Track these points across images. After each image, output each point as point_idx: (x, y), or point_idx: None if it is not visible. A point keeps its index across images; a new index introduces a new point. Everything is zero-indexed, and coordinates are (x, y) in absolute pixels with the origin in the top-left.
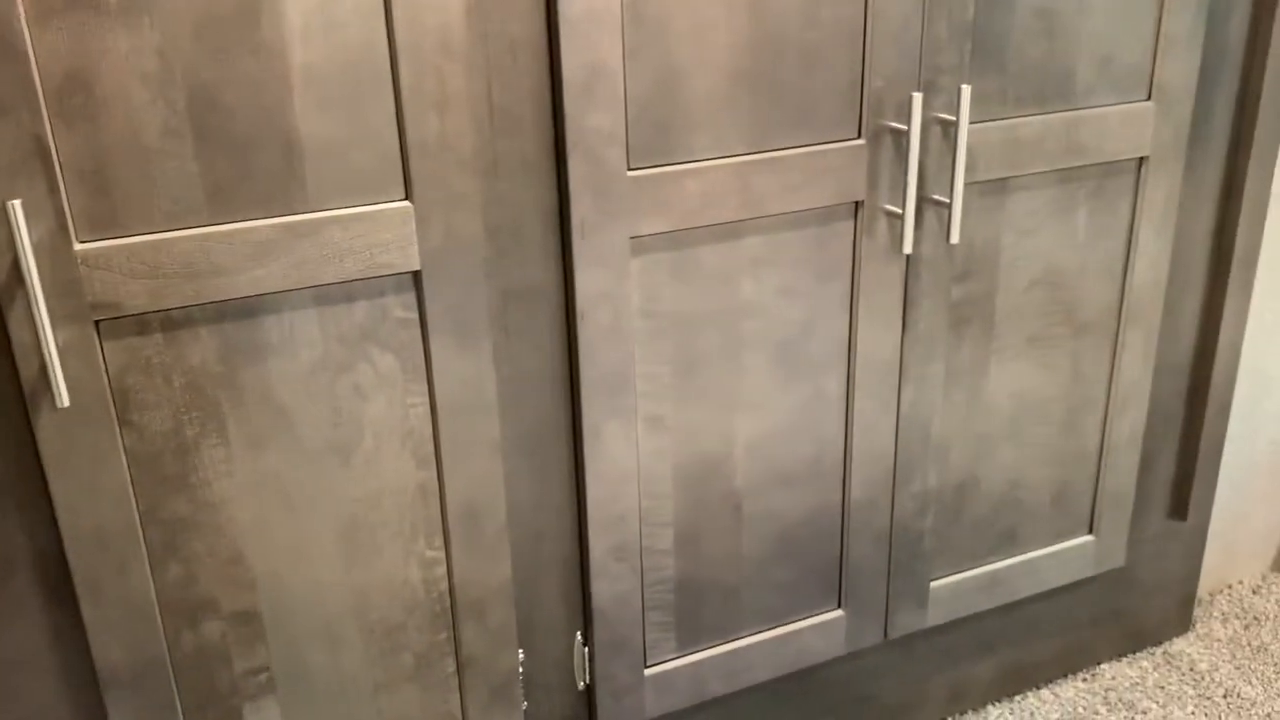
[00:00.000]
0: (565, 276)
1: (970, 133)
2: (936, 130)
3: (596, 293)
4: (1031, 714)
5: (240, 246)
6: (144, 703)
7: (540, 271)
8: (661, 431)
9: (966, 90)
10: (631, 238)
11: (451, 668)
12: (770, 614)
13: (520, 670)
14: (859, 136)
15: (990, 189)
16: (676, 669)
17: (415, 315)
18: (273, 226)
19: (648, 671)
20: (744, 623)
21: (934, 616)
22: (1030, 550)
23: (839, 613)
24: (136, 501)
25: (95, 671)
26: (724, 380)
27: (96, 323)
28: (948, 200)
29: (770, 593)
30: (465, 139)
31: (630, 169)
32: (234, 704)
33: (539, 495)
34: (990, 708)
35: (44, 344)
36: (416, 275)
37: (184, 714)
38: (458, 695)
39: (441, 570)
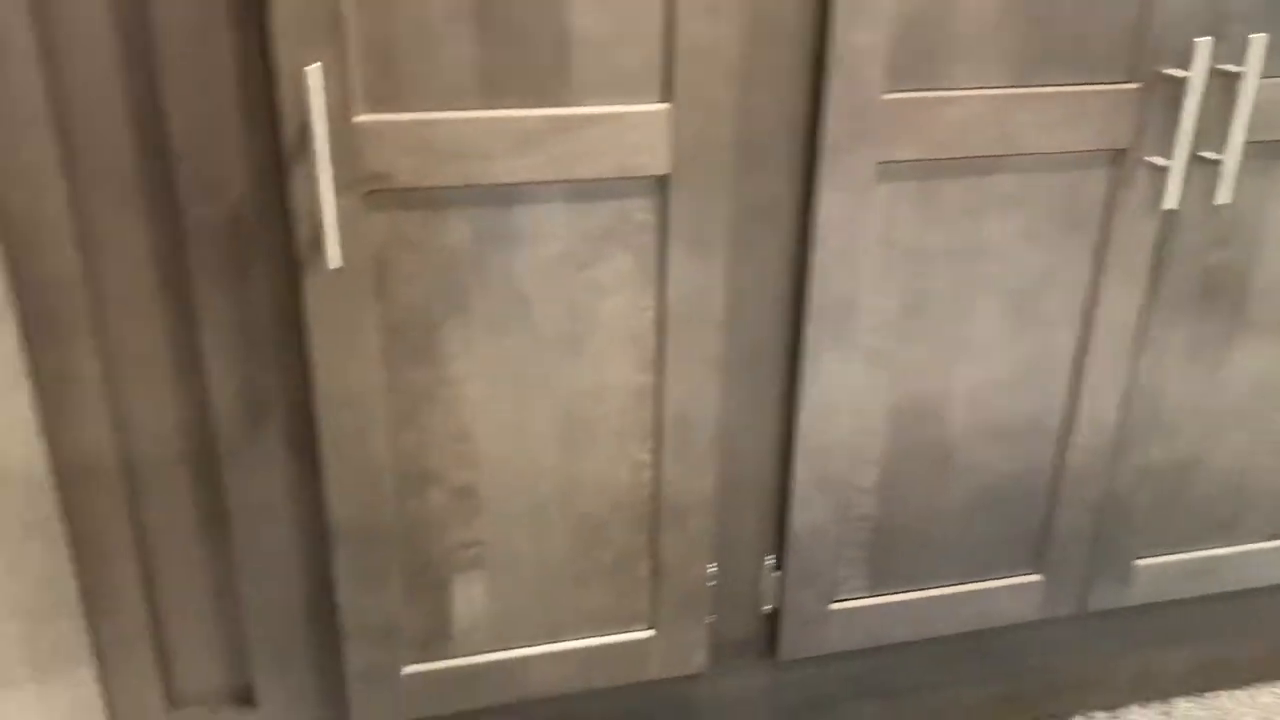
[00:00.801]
0: (806, 196)
1: (1258, 88)
2: (1217, 81)
3: (837, 216)
4: (1224, 714)
5: (505, 134)
6: (367, 561)
7: (782, 189)
8: (881, 367)
9: (1260, 40)
10: (879, 163)
11: (646, 571)
12: (965, 569)
13: (710, 584)
14: (1132, 81)
15: (1266, 151)
16: (863, 608)
17: (656, 220)
18: (537, 118)
19: (834, 606)
20: (937, 573)
21: (1135, 596)
22: (1248, 543)
23: (1037, 577)
24: (385, 368)
25: (327, 526)
26: (952, 322)
27: (367, 193)
28: (1219, 157)
29: (968, 547)
30: (731, 46)
31: (888, 92)
32: (444, 574)
33: (750, 415)
34: (1178, 700)
35: (322, 208)
36: (663, 180)
37: (400, 576)
38: (648, 599)
39: (649, 475)
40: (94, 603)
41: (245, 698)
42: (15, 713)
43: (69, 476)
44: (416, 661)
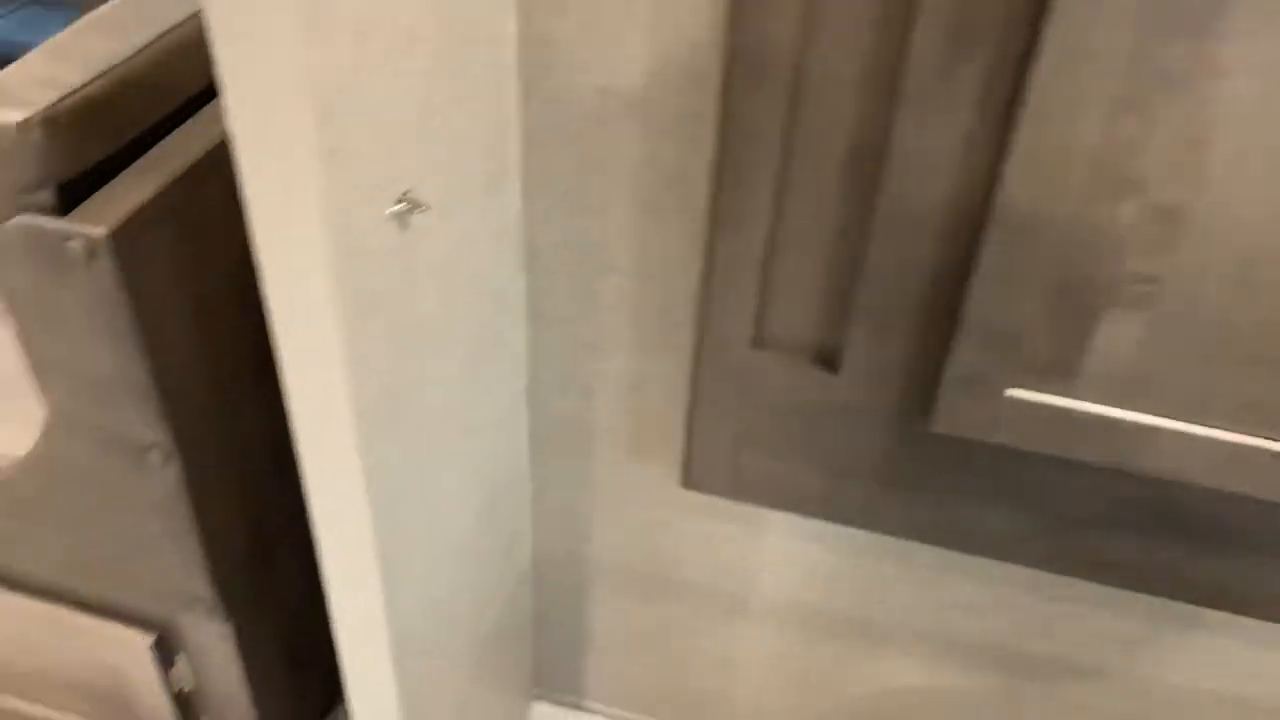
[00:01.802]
0: None
1: None
2: None
3: None
4: None
5: None
6: (1016, 257)
7: None
8: None
9: None
10: None
11: None
12: None
13: None
14: None
15: None
16: None
17: None
18: None
19: None
20: None
21: None
22: None
23: None
24: (1136, 30)
25: (992, 203)
26: None
27: None
28: None
29: None
30: None
31: None
32: (1099, 303)
33: None
34: None
35: None
36: None
37: (1047, 287)
38: None
39: None
40: (719, 212)
41: (829, 360)
42: (615, 299)
43: (738, 72)
44: (1026, 387)
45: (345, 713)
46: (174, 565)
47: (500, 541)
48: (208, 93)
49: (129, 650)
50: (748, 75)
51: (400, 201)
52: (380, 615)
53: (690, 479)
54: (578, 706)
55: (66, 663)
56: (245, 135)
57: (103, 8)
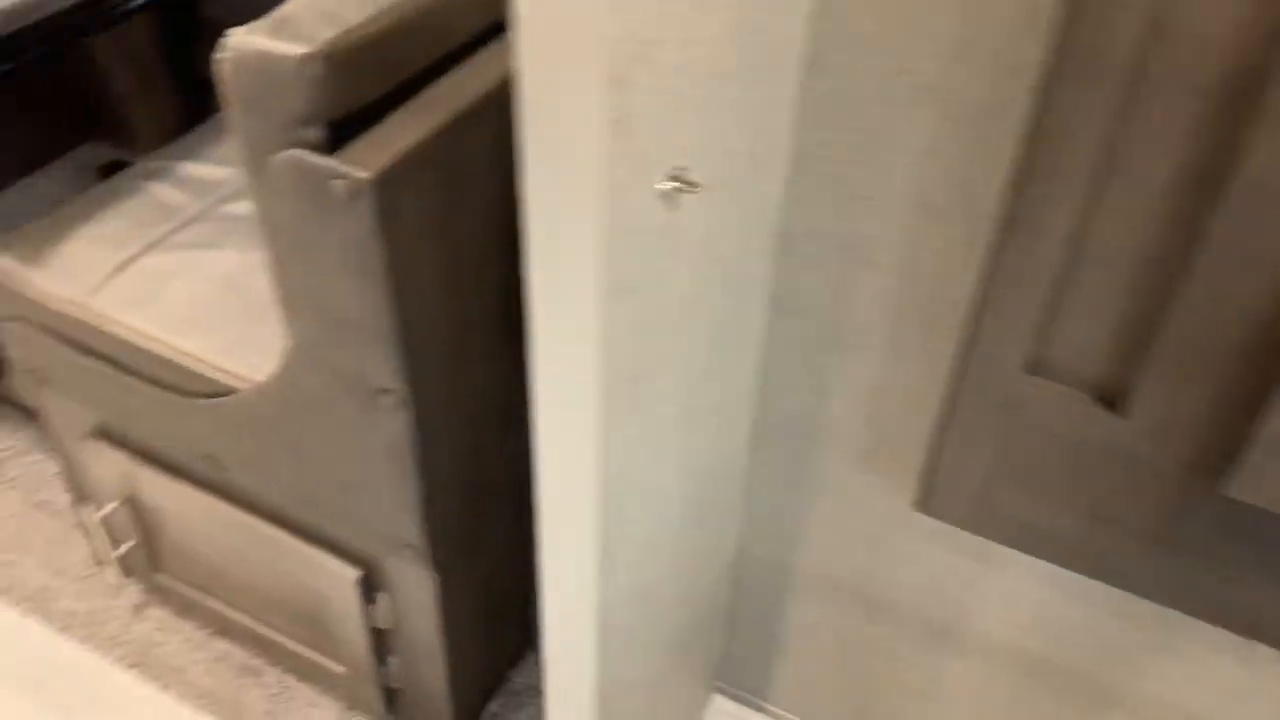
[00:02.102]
0: None
1: None
2: None
3: None
4: None
5: None
6: None
7: None
8: None
9: None
10: None
11: None
12: None
13: None
14: None
15: None
16: None
17: None
18: None
19: None
20: None
21: None
22: None
23: None
24: None
25: None
26: None
27: None
28: None
29: None
30: None
31: None
32: None
33: None
34: None
35: None
36: None
37: None
38: None
39: None
40: (1014, 216)
41: (1113, 398)
42: (871, 297)
43: (1069, 68)
44: None
45: (533, 662)
46: (390, 509)
47: (709, 535)
48: (479, 39)
49: (335, 581)
50: (1081, 72)
51: (673, 179)
52: (592, 595)
53: (927, 503)
54: (758, 707)
55: (277, 581)
56: (533, 97)
57: None
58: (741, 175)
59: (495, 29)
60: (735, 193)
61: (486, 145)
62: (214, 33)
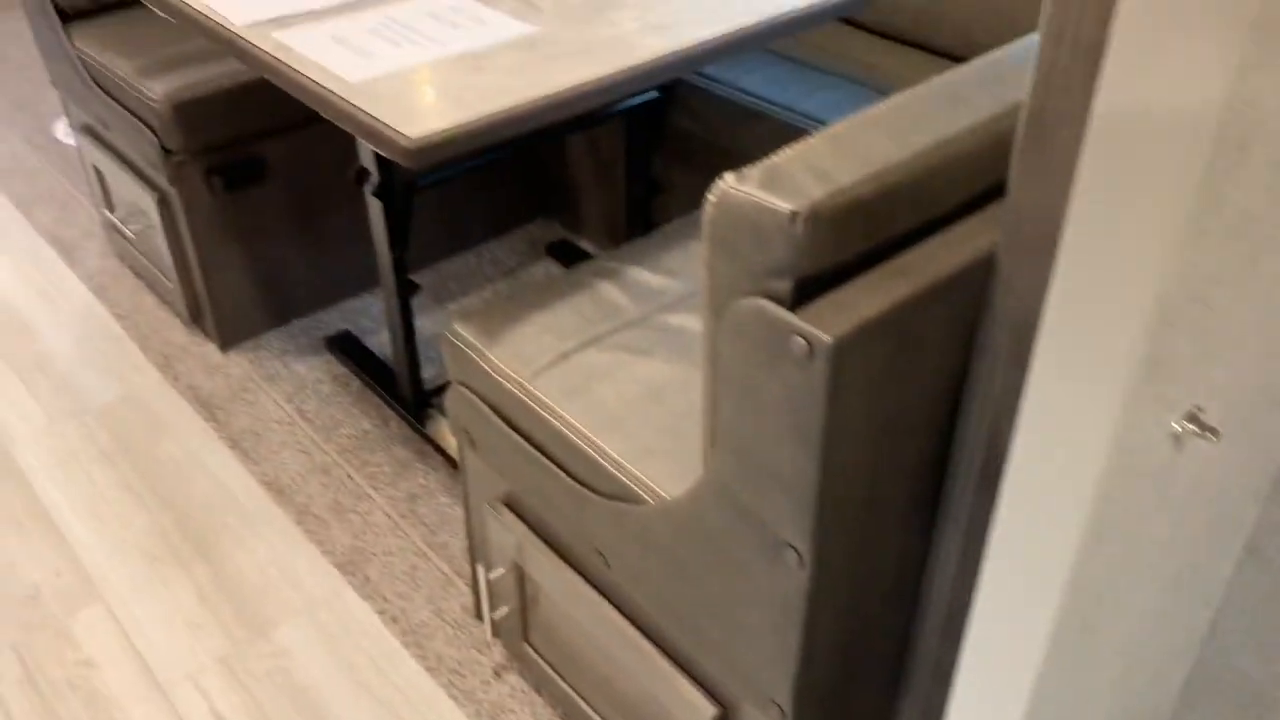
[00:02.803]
0: None
1: None
2: None
3: None
4: None
5: None
6: None
7: None
8: None
9: None
10: None
11: None
12: None
13: None
14: None
15: None
16: None
17: None
18: None
19: None
20: None
21: None
22: None
23: None
24: None
25: None
26: None
27: None
28: None
29: None
30: None
31: None
32: None
33: None
34: None
35: None
36: None
37: None
38: None
39: None
40: None
41: None
42: None
43: None
44: None
45: None
46: (765, 661)
47: None
48: (967, 205)
49: (689, 711)
50: None
51: (1189, 419)
52: None
53: None
54: None
55: (631, 686)
56: (1060, 318)
57: (886, 103)
58: (1261, 416)
59: (985, 194)
60: (1249, 434)
61: (946, 318)
62: (675, 141)
